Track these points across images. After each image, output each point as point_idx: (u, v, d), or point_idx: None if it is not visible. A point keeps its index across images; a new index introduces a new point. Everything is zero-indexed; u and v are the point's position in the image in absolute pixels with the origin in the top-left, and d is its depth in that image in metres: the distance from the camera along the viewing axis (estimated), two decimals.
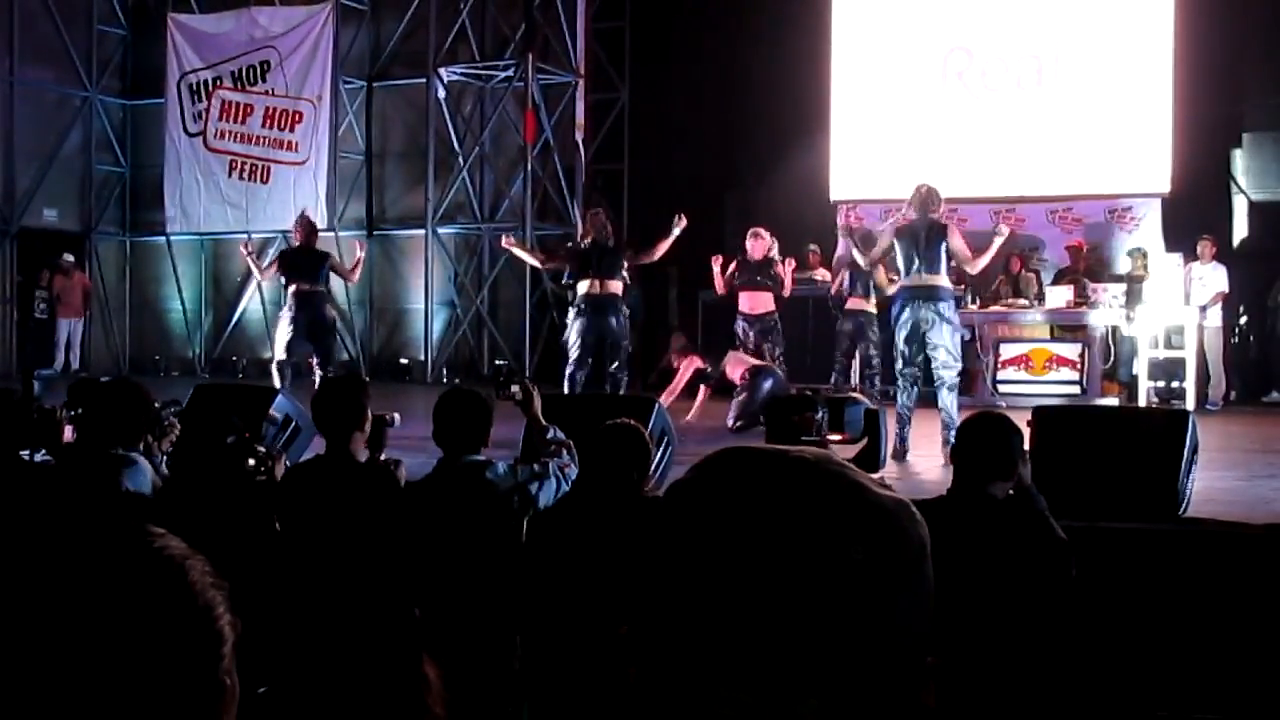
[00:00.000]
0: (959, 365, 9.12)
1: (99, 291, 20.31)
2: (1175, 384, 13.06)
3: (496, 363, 5.57)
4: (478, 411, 4.75)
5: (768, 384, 10.78)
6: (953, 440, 8.42)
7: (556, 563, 4.51)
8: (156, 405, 5.24)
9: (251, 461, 4.51)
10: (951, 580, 3.83)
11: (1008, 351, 13.60)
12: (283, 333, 11.29)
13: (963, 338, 9.86)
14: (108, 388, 5.40)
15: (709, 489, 1.07)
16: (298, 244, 11.83)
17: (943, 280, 9.02)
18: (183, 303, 20.40)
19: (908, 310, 8.96)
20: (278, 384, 10.13)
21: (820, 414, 4.55)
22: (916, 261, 8.95)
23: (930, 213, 9.09)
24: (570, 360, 10.46)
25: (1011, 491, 4.18)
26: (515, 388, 5.22)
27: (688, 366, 11.27)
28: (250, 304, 20.00)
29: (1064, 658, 4.09)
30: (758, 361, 11.19)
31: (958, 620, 3.88)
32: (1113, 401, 13.17)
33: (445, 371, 18.36)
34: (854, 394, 6.22)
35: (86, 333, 19.70)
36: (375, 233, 19.21)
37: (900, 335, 9.06)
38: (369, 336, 19.20)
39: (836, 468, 1.06)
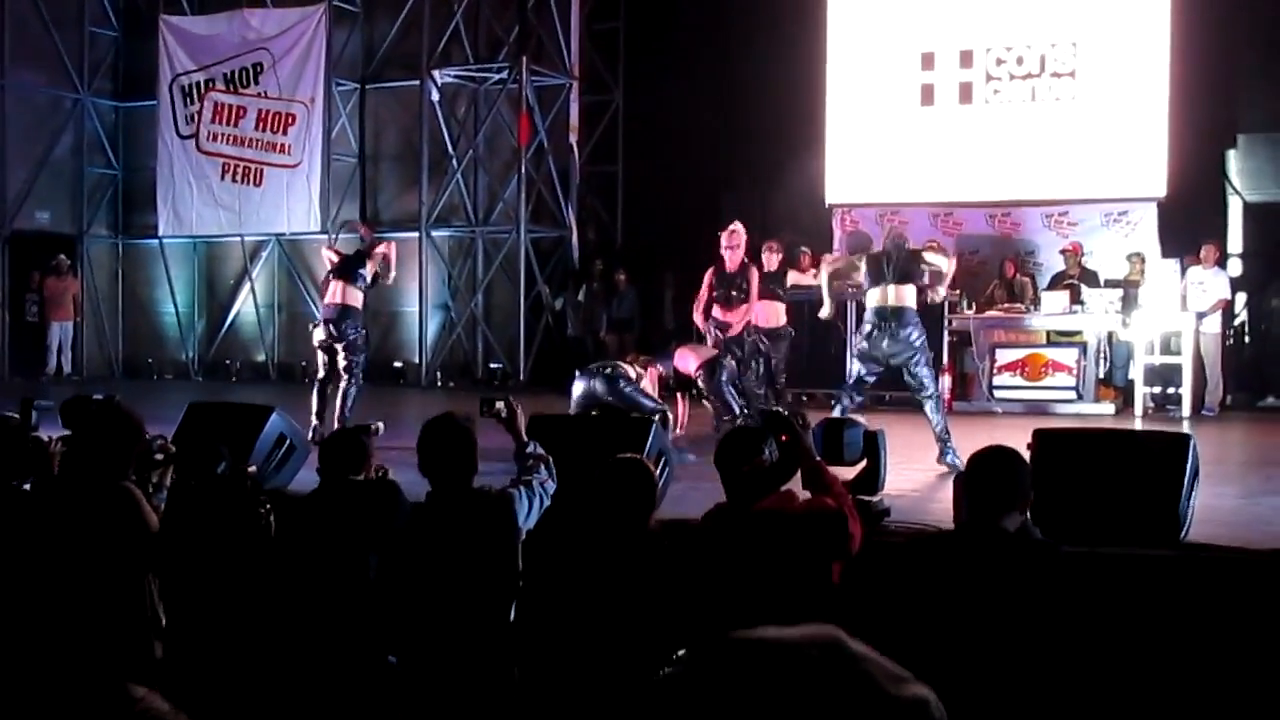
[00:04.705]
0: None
1: (92, 294, 20.22)
2: (1171, 390, 13.03)
3: (498, 398, 5.44)
4: (462, 443, 4.70)
5: (724, 376, 10.79)
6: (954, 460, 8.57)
7: (558, 597, 4.48)
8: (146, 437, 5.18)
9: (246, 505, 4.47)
10: (970, 613, 3.83)
11: (1004, 357, 13.57)
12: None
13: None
14: (97, 415, 5.34)
15: (706, 691, 1.00)
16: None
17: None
18: (175, 306, 20.33)
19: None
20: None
21: (768, 452, 4.51)
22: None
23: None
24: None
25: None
26: (500, 404, 5.18)
27: (651, 379, 10.95)
28: (244, 307, 19.95)
29: (1075, 685, 4.07)
30: (706, 351, 11.03)
31: (976, 651, 3.86)
32: (1109, 407, 13.14)
33: (440, 375, 18.31)
34: (851, 416, 6.15)
35: (79, 336, 19.61)
36: None
37: None
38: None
39: (847, 663, 0.99)
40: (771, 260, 11.78)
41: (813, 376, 13.87)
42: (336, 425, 9.49)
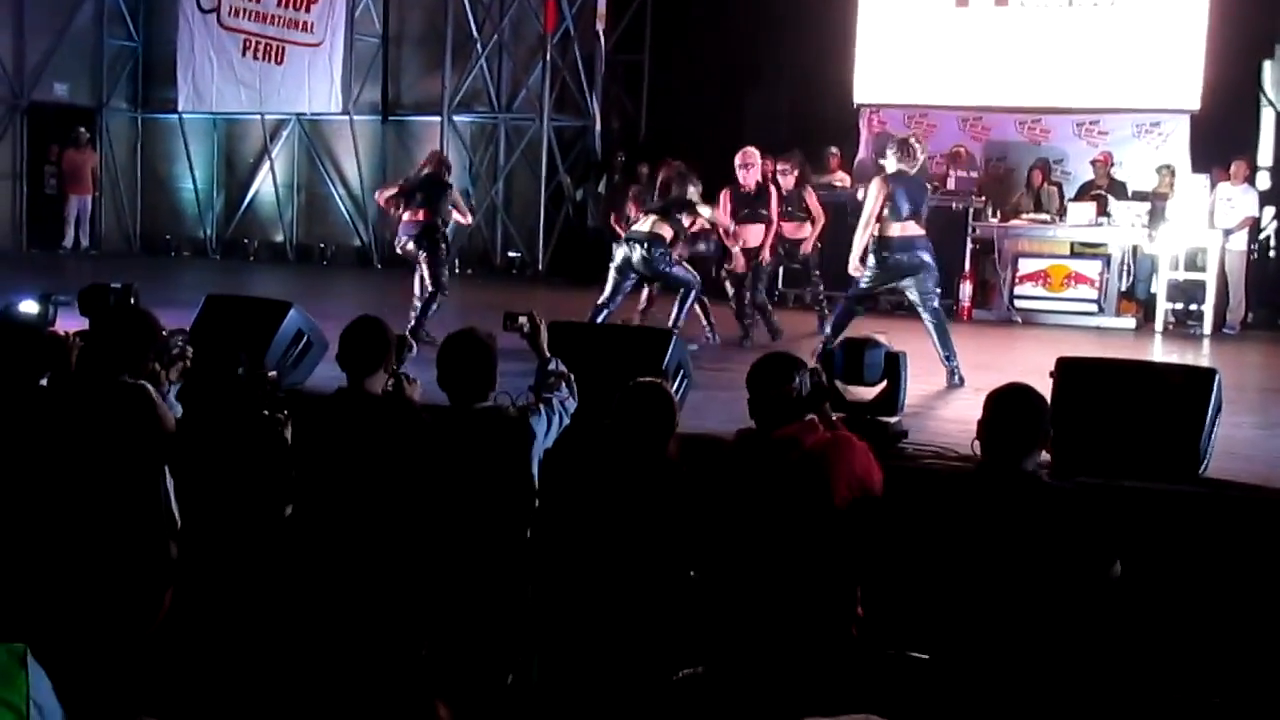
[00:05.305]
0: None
1: (110, 169, 20.13)
2: (1194, 306, 12.93)
3: (521, 314, 5.41)
4: (482, 360, 4.66)
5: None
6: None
7: (573, 519, 4.48)
8: (164, 333, 5.16)
9: (265, 410, 4.44)
10: (990, 555, 3.81)
11: (1026, 267, 13.43)
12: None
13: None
14: (113, 314, 5.32)
15: None
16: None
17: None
18: (194, 182, 20.22)
19: None
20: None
21: (798, 380, 4.45)
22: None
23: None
24: None
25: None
26: (523, 319, 5.14)
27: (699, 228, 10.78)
28: (263, 186, 19.82)
29: (1099, 626, 4.07)
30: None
31: (998, 594, 3.86)
32: (1129, 321, 13.06)
33: (457, 262, 18.19)
34: (873, 336, 6.09)
35: (97, 210, 19.57)
36: (390, 118, 18.96)
37: None
38: (382, 224, 19.00)
39: None
40: (788, 182, 11.53)
41: (835, 282, 13.75)
42: (408, 331, 9.26)
